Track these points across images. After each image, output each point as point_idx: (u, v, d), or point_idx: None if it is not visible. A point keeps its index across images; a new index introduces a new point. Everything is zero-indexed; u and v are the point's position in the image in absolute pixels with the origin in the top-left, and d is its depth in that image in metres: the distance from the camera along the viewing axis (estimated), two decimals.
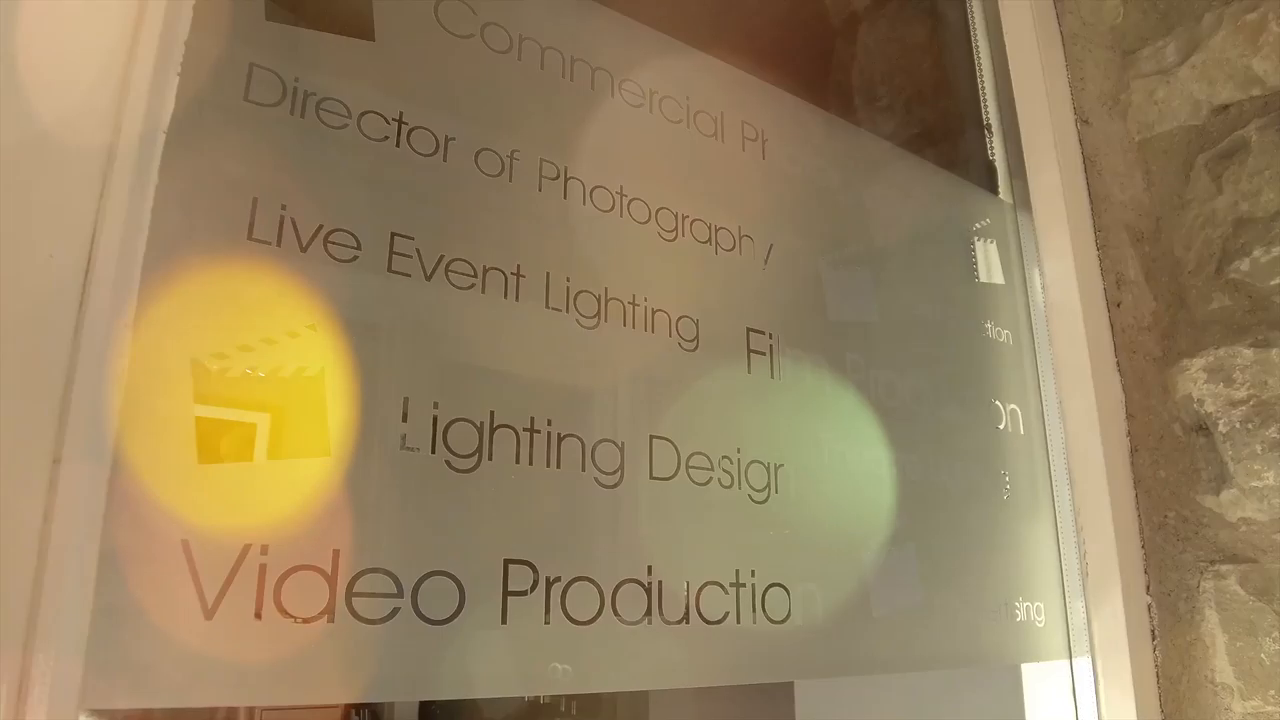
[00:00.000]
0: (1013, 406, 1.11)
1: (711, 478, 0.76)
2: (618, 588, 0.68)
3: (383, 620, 0.58)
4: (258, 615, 0.53)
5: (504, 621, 0.62)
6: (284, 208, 0.61)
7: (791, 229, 0.91)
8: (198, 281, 0.57)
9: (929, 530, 0.94)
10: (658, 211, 0.81)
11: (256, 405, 0.56)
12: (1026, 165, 1.15)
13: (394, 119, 0.68)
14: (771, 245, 0.87)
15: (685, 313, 0.79)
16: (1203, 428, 1.06)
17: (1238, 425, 1.03)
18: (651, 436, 0.74)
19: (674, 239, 0.82)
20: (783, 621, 0.77)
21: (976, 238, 1.14)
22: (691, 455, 0.76)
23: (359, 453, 0.60)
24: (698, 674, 0.75)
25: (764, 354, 0.83)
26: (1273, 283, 1.04)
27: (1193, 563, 1.04)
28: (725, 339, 0.82)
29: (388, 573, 0.59)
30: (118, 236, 0.55)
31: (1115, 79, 1.21)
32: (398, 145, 0.68)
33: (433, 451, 0.62)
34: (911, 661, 0.92)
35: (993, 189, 1.16)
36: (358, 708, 4.47)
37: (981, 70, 1.20)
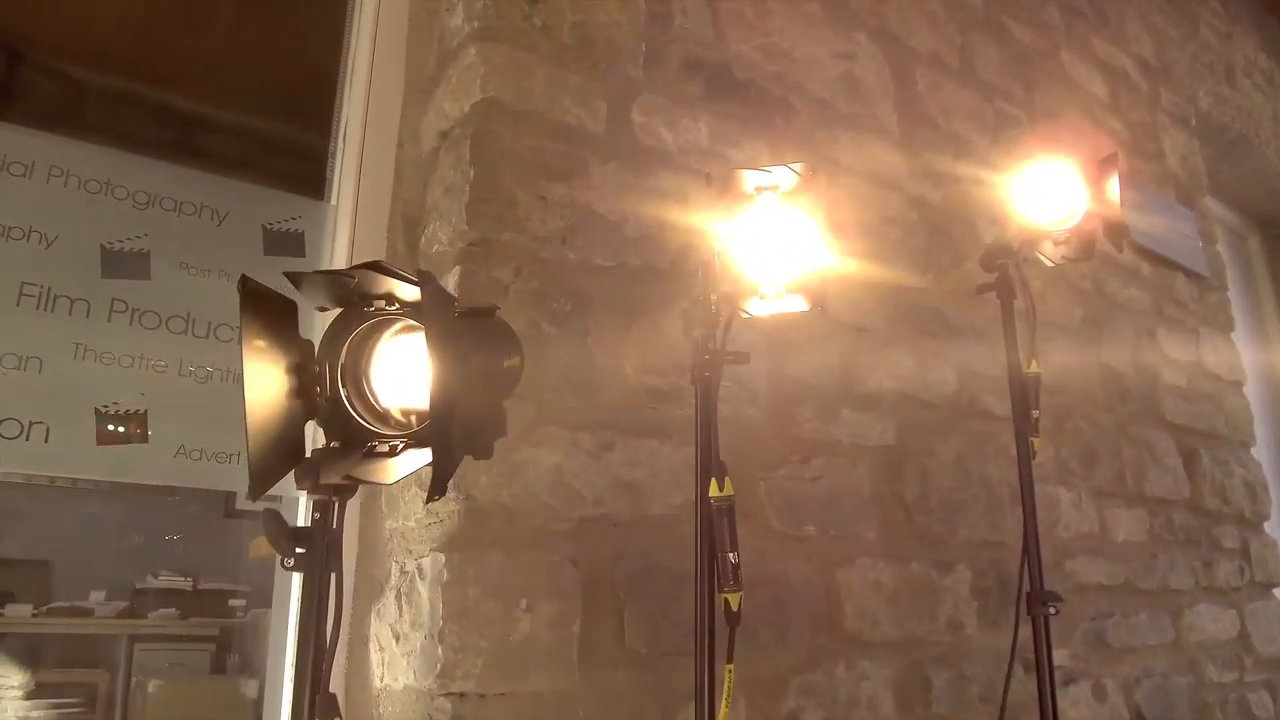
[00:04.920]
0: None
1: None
2: None
3: None
4: None
5: None
6: None
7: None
8: None
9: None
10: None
11: None
12: (343, 180, 1.75)
13: None
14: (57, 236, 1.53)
15: None
16: None
17: None
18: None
19: None
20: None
21: (303, 227, 1.75)
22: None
23: None
24: None
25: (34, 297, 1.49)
26: (434, 251, 1.59)
27: None
28: None
29: None
30: None
31: (418, 119, 1.78)
32: None
33: None
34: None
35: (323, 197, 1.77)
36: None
37: (339, 119, 1.80)
